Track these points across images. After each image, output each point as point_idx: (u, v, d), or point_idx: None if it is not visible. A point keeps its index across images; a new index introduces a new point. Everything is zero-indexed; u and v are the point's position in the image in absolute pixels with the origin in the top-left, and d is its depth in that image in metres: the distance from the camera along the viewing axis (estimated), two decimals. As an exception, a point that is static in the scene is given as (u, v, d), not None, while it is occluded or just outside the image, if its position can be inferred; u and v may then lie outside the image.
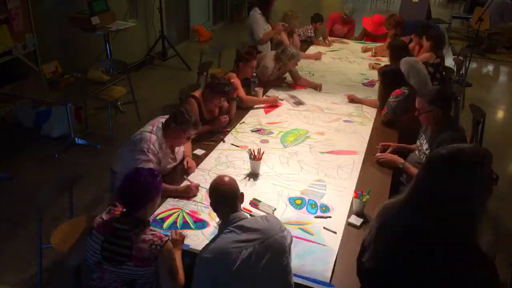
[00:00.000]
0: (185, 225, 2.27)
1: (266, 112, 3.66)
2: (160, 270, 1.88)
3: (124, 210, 1.93)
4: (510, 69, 7.59)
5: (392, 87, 3.48)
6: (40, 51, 4.70)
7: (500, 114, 5.80)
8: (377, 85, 4.27)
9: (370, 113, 3.70)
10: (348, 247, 2.14)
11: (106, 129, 4.74)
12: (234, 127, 3.36)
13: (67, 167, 4.06)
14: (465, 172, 1.44)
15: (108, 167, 2.94)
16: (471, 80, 6.33)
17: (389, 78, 3.52)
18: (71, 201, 2.73)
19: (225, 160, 2.90)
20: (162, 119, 2.68)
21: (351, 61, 5.11)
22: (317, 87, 4.17)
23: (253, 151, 2.74)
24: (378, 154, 2.93)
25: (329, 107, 3.80)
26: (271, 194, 2.54)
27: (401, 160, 2.80)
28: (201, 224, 2.28)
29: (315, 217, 2.38)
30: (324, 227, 2.29)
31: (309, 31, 5.78)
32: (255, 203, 2.43)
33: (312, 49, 5.56)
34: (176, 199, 2.47)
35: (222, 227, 1.88)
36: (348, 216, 2.37)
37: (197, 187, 2.53)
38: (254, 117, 3.55)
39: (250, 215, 2.23)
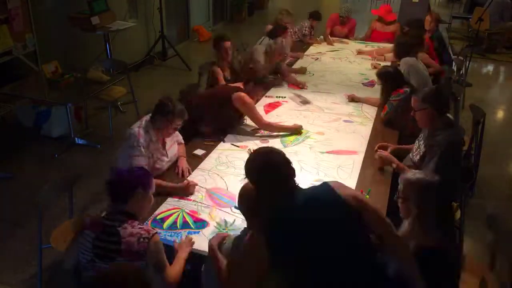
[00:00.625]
0: (185, 225, 2.27)
1: (266, 112, 3.66)
2: (149, 263, 1.89)
3: (112, 204, 1.95)
4: (510, 69, 7.58)
5: (394, 86, 3.48)
6: (40, 51, 4.69)
7: (500, 114, 5.79)
8: (376, 85, 4.28)
9: (370, 113, 3.69)
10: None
11: (106, 129, 4.74)
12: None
13: (67, 167, 4.06)
14: None
15: (108, 167, 2.94)
16: (471, 80, 6.32)
17: (389, 79, 3.52)
18: (71, 201, 2.73)
19: (225, 160, 2.90)
20: (149, 115, 2.69)
21: (351, 61, 5.11)
22: (303, 85, 4.20)
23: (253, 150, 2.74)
24: (379, 150, 2.91)
25: (329, 107, 3.80)
26: (271, 194, 2.53)
27: (396, 162, 2.74)
28: (201, 224, 2.28)
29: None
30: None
31: (304, 29, 5.75)
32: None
33: (312, 49, 5.56)
34: (176, 199, 2.47)
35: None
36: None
37: (194, 185, 2.52)
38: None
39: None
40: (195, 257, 2.09)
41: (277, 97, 3.97)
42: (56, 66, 4.35)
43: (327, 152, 3.03)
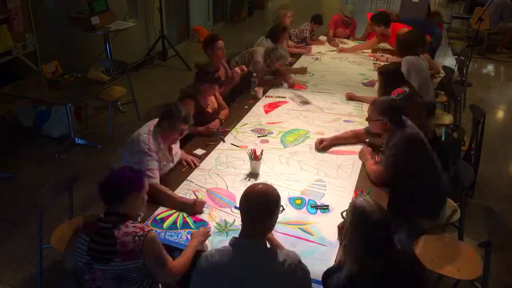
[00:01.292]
0: (185, 225, 2.27)
1: (266, 112, 3.66)
2: (148, 260, 1.88)
3: (105, 206, 1.94)
4: (510, 69, 7.58)
5: (392, 86, 3.47)
6: (40, 51, 4.70)
7: (500, 114, 5.80)
8: (377, 85, 4.28)
9: (370, 113, 3.69)
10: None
11: (106, 129, 4.74)
12: (234, 126, 3.37)
13: (67, 167, 4.06)
14: None
15: (108, 167, 2.94)
16: (471, 80, 6.32)
17: (389, 78, 3.52)
18: (71, 201, 2.73)
19: (225, 160, 2.90)
20: (157, 120, 2.68)
21: (351, 61, 5.12)
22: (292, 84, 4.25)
23: (252, 151, 2.74)
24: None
25: (329, 107, 3.80)
26: (271, 194, 2.53)
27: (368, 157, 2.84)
28: (201, 224, 2.28)
29: (312, 206, 2.43)
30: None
31: (305, 31, 5.75)
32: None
33: (313, 49, 5.55)
34: (176, 199, 2.47)
35: (232, 239, 1.79)
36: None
37: (203, 203, 2.41)
38: (254, 117, 3.55)
39: None
40: (195, 257, 2.09)
41: (277, 97, 3.97)
42: (56, 66, 4.34)
43: (327, 152, 3.03)
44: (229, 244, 1.77)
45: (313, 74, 4.63)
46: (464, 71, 5.41)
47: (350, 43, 5.81)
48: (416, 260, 1.89)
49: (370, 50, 5.43)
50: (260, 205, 1.76)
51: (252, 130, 3.32)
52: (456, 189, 2.89)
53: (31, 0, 4.55)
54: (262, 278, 1.69)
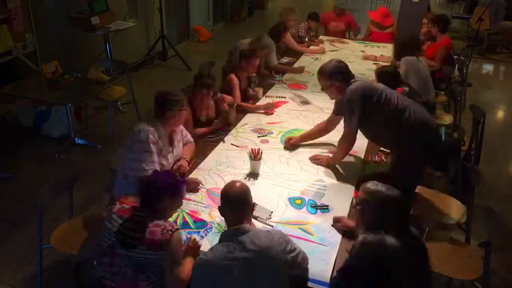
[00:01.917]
0: (185, 225, 2.27)
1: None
2: (168, 256, 1.91)
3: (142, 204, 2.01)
4: (510, 69, 7.58)
5: (391, 86, 3.48)
6: (40, 51, 4.70)
7: (500, 114, 5.80)
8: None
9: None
10: (348, 248, 2.14)
11: (106, 129, 4.74)
12: (234, 126, 3.36)
13: (67, 167, 4.06)
14: None
15: (108, 167, 2.94)
16: (471, 80, 6.32)
17: (386, 79, 3.52)
18: (71, 201, 2.73)
19: (225, 160, 2.90)
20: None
21: (351, 61, 5.10)
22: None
23: (252, 150, 2.74)
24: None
25: (329, 107, 3.78)
26: (271, 194, 2.54)
27: None
28: (201, 224, 2.28)
29: (312, 206, 2.44)
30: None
31: (300, 30, 5.73)
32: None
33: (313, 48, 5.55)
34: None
35: (224, 235, 1.90)
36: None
37: (196, 182, 2.56)
38: (254, 117, 3.55)
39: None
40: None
41: (277, 97, 3.97)
42: (56, 66, 4.34)
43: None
44: (220, 239, 1.89)
45: (313, 74, 4.62)
46: (464, 71, 5.41)
47: (351, 43, 5.81)
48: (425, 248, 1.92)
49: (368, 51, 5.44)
50: (240, 197, 1.95)
51: (252, 130, 3.32)
52: (463, 190, 2.89)
53: (31, 0, 4.55)
54: (261, 256, 1.77)
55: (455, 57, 5.34)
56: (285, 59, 5.06)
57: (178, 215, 2.34)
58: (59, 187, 2.62)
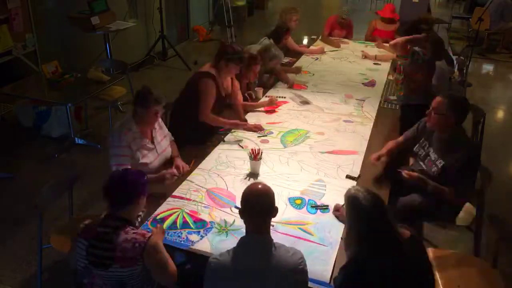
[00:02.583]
0: (185, 225, 2.27)
1: (267, 113, 3.65)
2: (149, 266, 1.88)
3: (108, 210, 1.94)
4: (510, 69, 7.58)
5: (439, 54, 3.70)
6: (40, 51, 4.70)
7: (500, 114, 5.80)
8: (376, 85, 4.29)
9: (370, 113, 3.70)
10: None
11: (106, 129, 4.74)
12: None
13: (67, 167, 4.06)
14: None
15: (108, 167, 2.94)
16: (471, 80, 6.33)
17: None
18: (71, 201, 2.73)
19: (225, 160, 2.90)
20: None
21: (351, 61, 5.11)
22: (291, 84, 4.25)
23: (252, 150, 2.74)
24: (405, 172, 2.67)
25: (329, 107, 3.80)
26: (271, 194, 2.53)
27: (429, 182, 2.62)
28: (201, 224, 2.28)
29: (312, 206, 2.43)
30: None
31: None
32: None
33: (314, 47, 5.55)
34: (175, 199, 2.47)
35: (241, 239, 1.85)
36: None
37: (172, 174, 2.56)
38: (254, 117, 3.55)
39: None
40: (196, 257, 2.10)
41: (277, 97, 3.97)
42: (56, 66, 4.34)
43: (327, 152, 3.03)
44: (238, 243, 1.82)
45: (313, 74, 4.63)
46: (464, 71, 5.41)
47: (351, 43, 5.81)
48: (423, 249, 1.90)
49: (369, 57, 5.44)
50: (265, 202, 1.84)
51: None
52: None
53: (31, 0, 4.55)
54: (273, 271, 1.74)
55: (455, 57, 5.34)
56: (285, 59, 5.05)
57: (178, 215, 2.33)
58: (59, 187, 2.62)
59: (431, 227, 3.23)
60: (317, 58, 5.16)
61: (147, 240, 1.87)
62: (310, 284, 1.92)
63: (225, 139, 3.16)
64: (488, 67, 7.67)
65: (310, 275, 1.95)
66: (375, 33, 5.94)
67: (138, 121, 2.60)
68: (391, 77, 4.50)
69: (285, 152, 3.02)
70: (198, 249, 2.11)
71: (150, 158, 2.65)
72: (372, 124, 3.50)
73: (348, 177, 2.73)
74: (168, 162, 2.79)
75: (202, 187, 2.60)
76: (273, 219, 1.90)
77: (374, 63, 4.98)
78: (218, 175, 2.72)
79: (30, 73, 4.60)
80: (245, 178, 2.69)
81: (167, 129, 2.91)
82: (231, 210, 2.38)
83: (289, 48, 5.23)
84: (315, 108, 3.76)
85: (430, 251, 2.45)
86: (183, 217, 2.33)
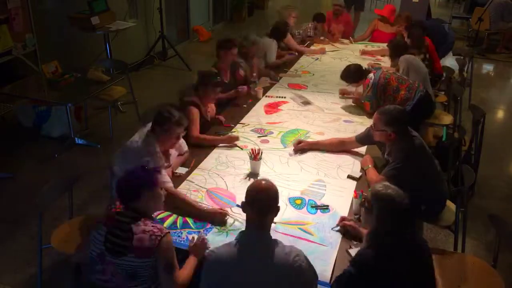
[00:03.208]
0: (185, 225, 2.27)
1: (266, 113, 3.66)
2: (159, 262, 1.90)
3: (122, 204, 1.98)
4: (510, 69, 7.58)
5: (358, 80, 3.72)
6: (40, 51, 4.69)
7: (500, 114, 5.80)
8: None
9: (370, 113, 3.70)
10: (348, 248, 2.15)
11: (106, 129, 4.74)
12: (234, 127, 3.37)
13: (67, 167, 4.06)
14: None
15: (108, 167, 2.94)
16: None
17: (352, 77, 3.75)
18: (71, 201, 2.73)
19: (225, 160, 2.90)
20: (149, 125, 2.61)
21: (351, 61, 5.10)
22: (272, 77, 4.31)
23: (252, 150, 2.74)
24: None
25: (329, 107, 3.80)
26: (271, 194, 2.53)
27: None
28: (201, 224, 2.28)
29: (312, 206, 2.43)
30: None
31: (308, 30, 5.74)
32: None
33: (315, 46, 5.55)
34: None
35: (240, 233, 1.86)
36: (348, 215, 2.38)
37: (223, 214, 2.31)
38: (254, 117, 3.55)
39: None
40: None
41: (277, 97, 3.97)
42: (56, 66, 4.34)
43: (327, 152, 3.03)
44: (236, 238, 1.83)
45: (313, 74, 4.63)
46: (465, 71, 5.41)
47: (351, 44, 5.80)
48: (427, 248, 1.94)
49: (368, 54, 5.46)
50: (270, 199, 1.85)
51: (252, 130, 3.32)
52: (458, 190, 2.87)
53: (31, 0, 4.55)
54: (270, 268, 1.74)
55: (455, 57, 5.34)
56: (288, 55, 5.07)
57: (178, 215, 2.33)
58: (59, 187, 2.62)
59: (431, 227, 3.25)
60: (317, 58, 5.17)
61: (164, 235, 1.90)
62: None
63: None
64: (488, 67, 7.67)
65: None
66: (376, 33, 5.94)
67: (157, 139, 2.52)
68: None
69: (285, 152, 3.02)
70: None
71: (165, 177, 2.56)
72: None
73: (349, 177, 2.73)
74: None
75: (202, 187, 2.59)
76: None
77: (375, 62, 4.97)
78: (218, 175, 2.72)
79: (30, 73, 4.60)
80: (245, 178, 2.69)
81: (184, 142, 2.84)
82: (231, 210, 2.38)
83: (289, 47, 5.24)
84: (315, 108, 3.76)
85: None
86: (183, 217, 2.33)
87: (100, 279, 1.93)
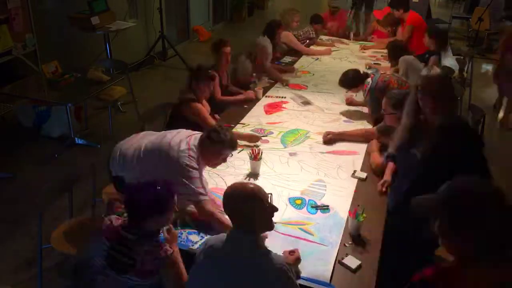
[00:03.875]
0: (185, 225, 2.27)
1: (267, 113, 3.66)
2: (165, 279, 1.88)
3: (128, 217, 1.91)
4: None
5: (355, 86, 3.68)
6: (40, 51, 4.69)
7: (500, 114, 5.79)
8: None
9: (370, 113, 3.69)
10: (347, 244, 2.16)
11: (106, 129, 4.74)
12: (234, 127, 3.37)
13: (67, 167, 4.06)
14: None
15: (109, 167, 2.93)
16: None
17: (350, 84, 3.70)
18: (71, 201, 2.73)
19: (225, 160, 2.90)
20: (195, 134, 2.44)
21: (351, 61, 5.11)
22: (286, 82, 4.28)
23: (252, 150, 2.75)
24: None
25: (329, 107, 3.80)
26: (271, 194, 2.53)
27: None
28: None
29: (312, 207, 2.43)
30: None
31: (310, 32, 5.75)
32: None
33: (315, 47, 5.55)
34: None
35: (231, 235, 1.77)
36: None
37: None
38: (254, 117, 3.55)
39: None
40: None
41: (277, 97, 3.97)
42: (56, 66, 4.34)
43: (327, 152, 3.03)
44: (227, 236, 1.79)
45: (313, 74, 4.63)
46: (465, 71, 5.41)
47: (351, 44, 5.80)
48: None
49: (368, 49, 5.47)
50: (236, 202, 1.75)
51: (252, 130, 3.32)
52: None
53: (31, 0, 4.55)
54: (251, 271, 1.68)
55: (455, 57, 5.33)
56: (287, 59, 5.06)
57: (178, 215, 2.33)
58: (59, 187, 2.62)
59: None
60: (317, 58, 5.16)
61: (168, 256, 1.86)
62: (310, 284, 1.92)
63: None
64: (488, 67, 7.66)
65: (310, 275, 1.95)
66: (376, 34, 5.95)
67: (202, 154, 2.36)
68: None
69: (285, 152, 3.02)
70: (198, 249, 2.11)
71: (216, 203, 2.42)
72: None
73: (354, 176, 2.73)
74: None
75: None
76: (273, 219, 1.83)
77: (374, 63, 4.97)
78: (218, 175, 2.72)
79: (30, 73, 4.60)
80: (245, 178, 2.69)
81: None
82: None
83: (293, 48, 5.23)
84: (315, 108, 3.76)
85: None
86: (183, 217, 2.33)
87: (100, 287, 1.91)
